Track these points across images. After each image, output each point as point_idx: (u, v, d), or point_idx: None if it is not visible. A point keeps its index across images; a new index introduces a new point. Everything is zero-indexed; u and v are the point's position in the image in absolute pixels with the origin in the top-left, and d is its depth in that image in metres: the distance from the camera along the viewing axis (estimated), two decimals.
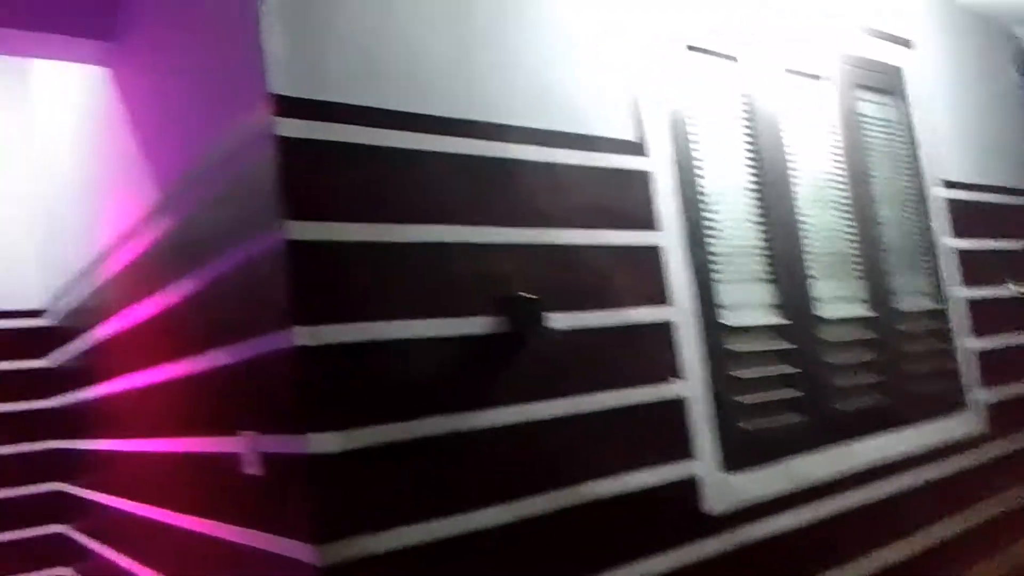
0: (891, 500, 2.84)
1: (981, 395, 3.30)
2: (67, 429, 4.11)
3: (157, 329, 2.65)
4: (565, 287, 2.12)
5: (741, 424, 2.43)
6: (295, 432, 1.72)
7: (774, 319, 2.62)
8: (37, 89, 4.38)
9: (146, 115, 2.72)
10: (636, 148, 2.37)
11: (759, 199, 2.69)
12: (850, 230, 2.98)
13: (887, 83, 3.30)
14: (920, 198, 3.30)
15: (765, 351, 2.56)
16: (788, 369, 2.60)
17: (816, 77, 3.02)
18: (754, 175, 2.69)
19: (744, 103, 2.73)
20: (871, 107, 3.22)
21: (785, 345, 2.61)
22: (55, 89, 4.02)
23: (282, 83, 1.76)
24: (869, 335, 2.91)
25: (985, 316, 3.40)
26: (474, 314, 1.94)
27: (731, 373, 2.43)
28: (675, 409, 2.29)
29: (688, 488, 2.27)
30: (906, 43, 3.44)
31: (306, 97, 1.79)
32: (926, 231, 3.29)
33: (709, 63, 2.67)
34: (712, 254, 2.48)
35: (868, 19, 3.30)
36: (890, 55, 3.34)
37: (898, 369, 2.98)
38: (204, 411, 2.26)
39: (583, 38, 2.33)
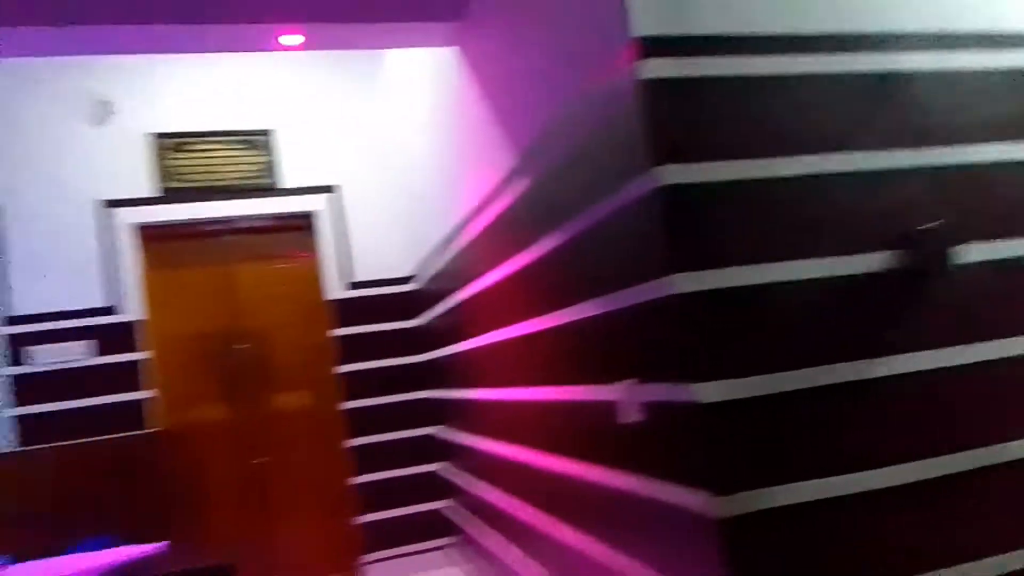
0: None
1: None
2: (437, 381, 4.61)
3: (519, 286, 2.81)
4: (975, 215, 1.82)
5: None
6: (679, 381, 1.69)
7: None
8: (390, 76, 4.90)
9: (498, 84, 2.87)
10: None
11: None
12: None
13: None
14: None
15: None
16: None
17: None
18: None
19: None
20: None
21: None
22: (406, 75, 4.45)
23: (646, 23, 1.71)
24: None
25: None
26: (867, 251, 1.74)
27: None
28: None
29: None
30: None
31: (671, 34, 1.72)
32: None
33: None
34: None
35: None
36: None
37: None
38: (576, 361, 2.34)
39: None
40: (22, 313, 4.37)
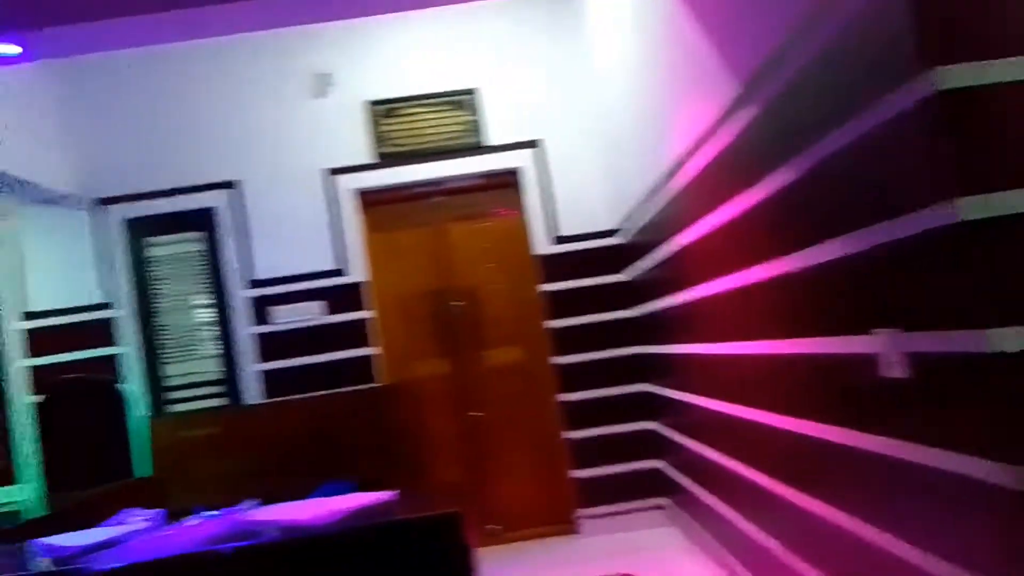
0: None
1: None
2: (646, 335, 4.46)
3: (745, 229, 2.57)
4: None
5: None
6: (961, 327, 1.41)
7: None
8: (590, 22, 4.73)
9: (716, 9, 2.62)
10: None
11: None
12: None
13: None
14: None
15: None
16: None
17: None
18: None
19: None
20: None
21: None
22: (607, 17, 4.26)
23: None
24: None
25: None
26: None
27: None
28: None
29: None
30: None
31: None
32: None
33: None
34: None
35: None
36: None
37: None
38: (818, 310, 2.09)
39: None
40: (263, 277, 4.77)
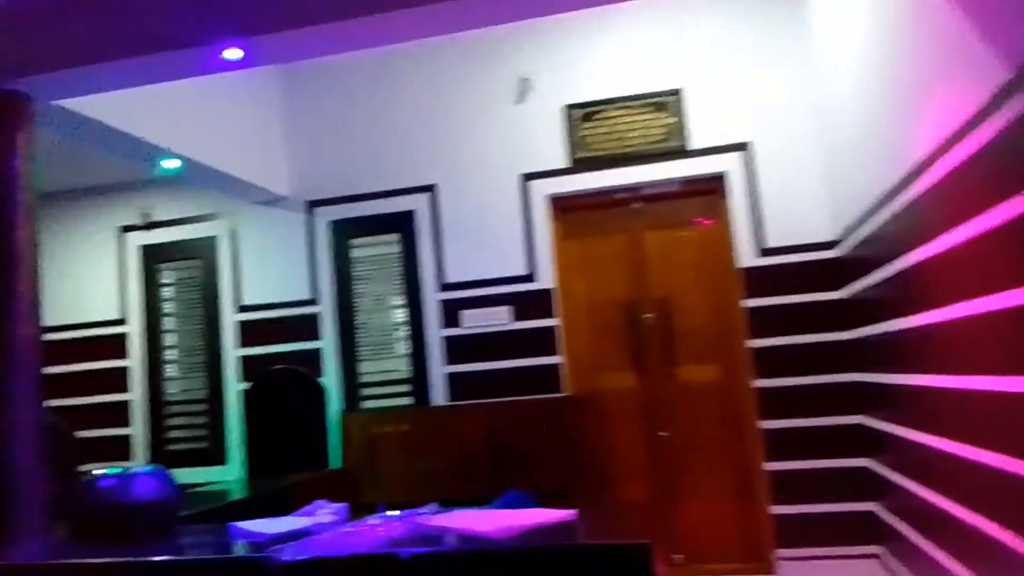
0: None
1: None
2: (865, 361, 3.96)
3: (1010, 241, 2.13)
4: None
5: None
6: None
7: None
8: (811, 16, 4.32)
9: None
10: None
11: None
12: None
13: None
14: None
15: None
16: None
17: None
18: None
19: None
20: None
21: None
22: (833, 10, 3.85)
23: None
24: None
25: None
26: None
27: None
28: None
29: None
30: None
31: None
32: None
33: None
34: None
35: None
36: None
37: None
38: None
39: None
40: (455, 280, 4.79)
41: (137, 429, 5.26)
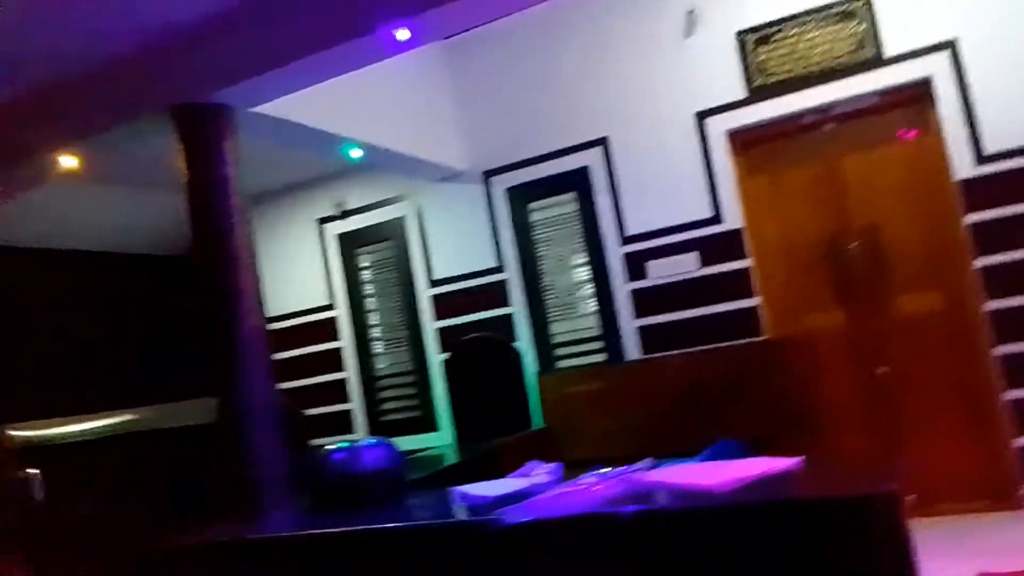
0: None
1: None
2: None
3: None
4: None
5: None
6: None
7: None
8: None
9: None
10: None
11: None
12: None
13: None
14: None
15: None
16: None
17: None
18: None
19: None
20: None
21: None
22: None
23: None
24: None
25: None
26: None
27: None
28: None
29: None
30: None
31: None
32: None
33: None
34: None
35: None
36: None
37: None
38: None
39: None
40: (636, 232, 4.68)
41: (355, 404, 5.67)
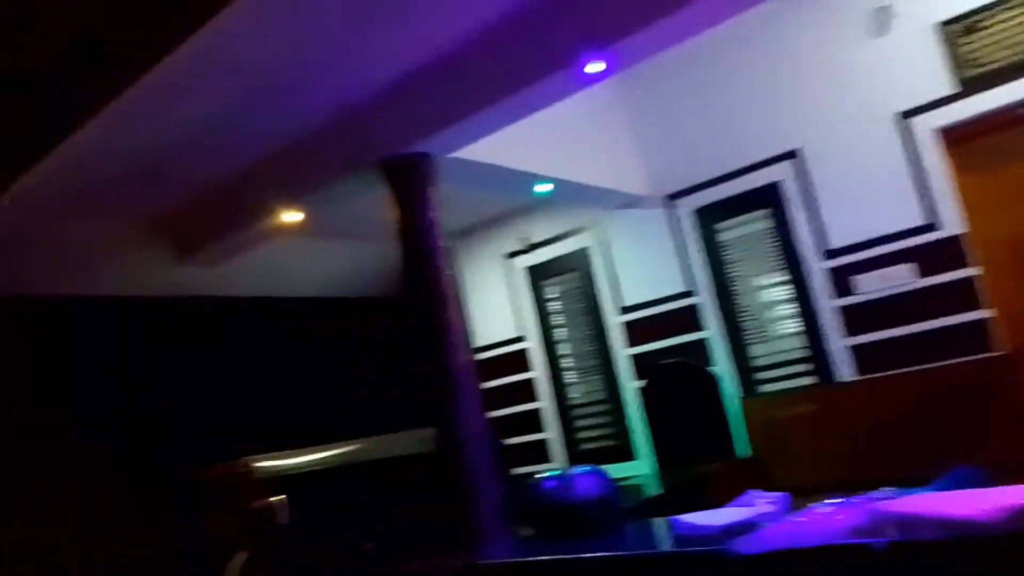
0: None
1: None
2: None
3: None
4: None
5: None
6: None
7: None
8: None
9: None
10: None
11: None
12: None
13: None
14: None
15: None
16: None
17: None
18: None
19: None
20: None
21: None
22: None
23: None
24: None
25: None
26: None
27: None
28: None
29: None
30: None
31: None
32: None
33: None
34: None
35: None
36: None
37: None
38: None
39: None
40: (840, 245, 4.42)
41: (551, 433, 5.73)
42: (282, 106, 3.32)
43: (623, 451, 5.33)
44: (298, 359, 5.31)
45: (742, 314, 4.83)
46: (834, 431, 4.25)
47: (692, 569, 2.06)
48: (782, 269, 4.65)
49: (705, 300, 4.93)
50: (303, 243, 4.95)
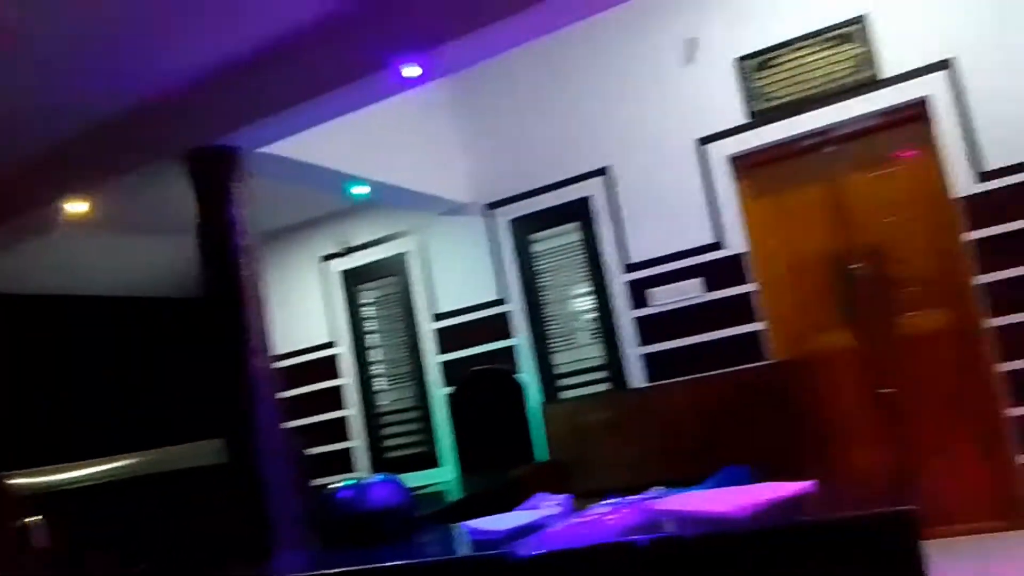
0: None
1: None
2: None
3: None
4: None
5: None
6: None
7: None
8: None
9: None
10: None
11: None
12: None
13: None
14: None
15: None
16: None
17: None
18: None
19: None
20: None
21: None
22: None
23: None
24: None
25: None
26: None
27: None
28: None
29: None
30: None
31: None
32: None
33: None
34: None
35: None
36: None
37: None
38: None
39: None
40: (639, 260, 4.69)
41: (357, 442, 5.62)
42: (71, 90, 3.02)
43: (429, 458, 5.32)
44: (75, 364, 4.84)
45: (550, 322, 4.99)
46: (627, 435, 4.49)
47: (475, 573, 2.08)
48: (588, 280, 4.86)
49: (516, 308, 5.04)
50: (97, 238, 4.53)
